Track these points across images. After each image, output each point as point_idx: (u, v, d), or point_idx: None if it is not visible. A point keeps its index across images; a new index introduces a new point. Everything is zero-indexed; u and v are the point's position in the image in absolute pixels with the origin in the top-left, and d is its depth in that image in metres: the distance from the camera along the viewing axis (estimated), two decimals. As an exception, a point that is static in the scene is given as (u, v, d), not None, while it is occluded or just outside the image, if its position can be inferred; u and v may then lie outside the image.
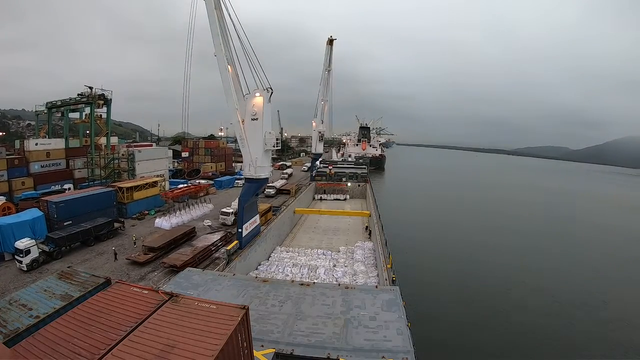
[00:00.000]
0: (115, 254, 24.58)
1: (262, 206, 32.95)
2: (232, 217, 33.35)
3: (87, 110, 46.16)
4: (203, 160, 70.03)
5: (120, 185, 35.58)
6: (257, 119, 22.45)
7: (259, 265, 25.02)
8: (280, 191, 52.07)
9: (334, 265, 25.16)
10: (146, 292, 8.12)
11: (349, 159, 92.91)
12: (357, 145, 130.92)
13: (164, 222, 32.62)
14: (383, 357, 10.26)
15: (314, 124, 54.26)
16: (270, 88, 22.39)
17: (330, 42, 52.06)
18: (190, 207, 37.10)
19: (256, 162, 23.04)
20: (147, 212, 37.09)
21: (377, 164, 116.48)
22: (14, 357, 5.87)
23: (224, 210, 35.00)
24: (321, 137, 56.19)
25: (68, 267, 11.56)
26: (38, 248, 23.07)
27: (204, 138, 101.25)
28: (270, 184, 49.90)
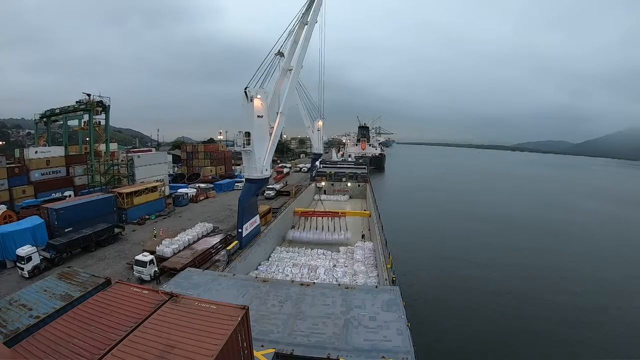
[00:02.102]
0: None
1: (262, 208, 32.97)
2: (150, 269, 22.36)
3: (86, 117, 46.47)
4: (202, 164, 70.15)
5: (120, 191, 35.67)
6: (262, 116, 23.29)
7: (259, 265, 25.05)
8: (280, 192, 52.13)
9: (334, 265, 25.15)
10: (146, 292, 8.20)
11: (349, 159, 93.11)
12: (356, 145, 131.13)
13: None
14: (383, 357, 10.29)
15: (320, 123, 56.49)
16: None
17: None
18: None
19: (260, 162, 23.83)
20: (147, 216, 37.16)
21: (376, 164, 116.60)
22: (14, 357, 5.93)
23: (139, 258, 22.73)
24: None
25: (68, 268, 11.59)
26: (39, 255, 23.15)
27: (203, 142, 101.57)
28: (270, 186, 49.99)
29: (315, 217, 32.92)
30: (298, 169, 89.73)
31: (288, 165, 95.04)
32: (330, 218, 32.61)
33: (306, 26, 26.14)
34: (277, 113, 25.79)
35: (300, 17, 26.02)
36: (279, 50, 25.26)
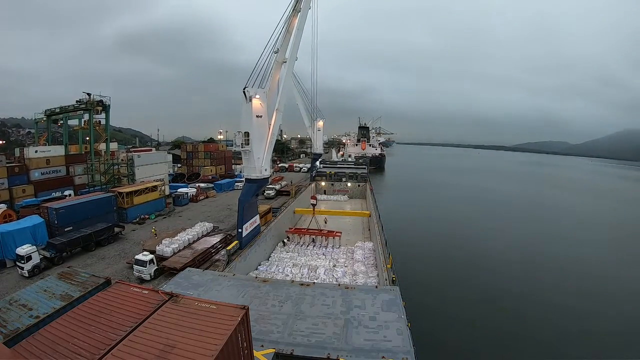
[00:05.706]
0: None
1: (262, 207, 32.91)
2: (150, 268, 22.40)
3: (86, 116, 46.46)
4: (203, 163, 70.10)
5: (120, 190, 35.65)
6: (261, 116, 23.18)
7: (259, 265, 25.05)
8: (280, 192, 52.13)
9: (334, 265, 25.16)
10: (146, 292, 8.20)
11: (349, 159, 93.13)
12: (356, 145, 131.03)
13: None
14: (383, 357, 10.30)
15: (320, 123, 57.01)
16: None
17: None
18: None
19: (259, 162, 23.76)
20: (147, 216, 37.14)
21: (377, 164, 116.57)
22: (14, 357, 5.93)
23: (139, 257, 22.61)
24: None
25: (68, 267, 11.59)
26: (39, 254, 23.12)
27: (203, 142, 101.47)
28: (270, 186, 49.98)
29: (307, 235, 30.76)
30: (298, 169, 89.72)
31: (287, 165, 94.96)
32: (324, 237, 30.32)
33: (299, 13, 25.71)
34: (274, 110, 25.59)
35: (293, 4, 25.63)
36: (277, 48, 25.01)
